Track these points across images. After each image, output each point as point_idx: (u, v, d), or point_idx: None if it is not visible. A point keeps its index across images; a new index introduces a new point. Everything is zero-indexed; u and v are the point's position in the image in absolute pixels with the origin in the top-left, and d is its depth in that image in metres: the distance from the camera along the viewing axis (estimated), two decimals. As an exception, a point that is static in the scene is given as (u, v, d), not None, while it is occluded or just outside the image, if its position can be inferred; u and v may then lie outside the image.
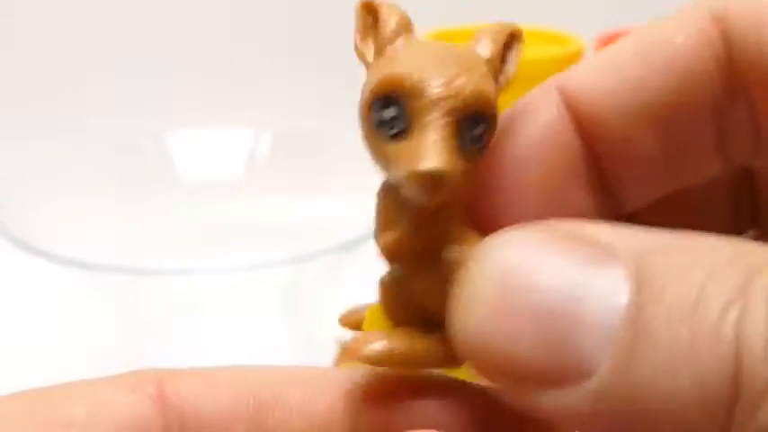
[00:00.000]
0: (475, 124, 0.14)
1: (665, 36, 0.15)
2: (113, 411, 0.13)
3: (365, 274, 0.19)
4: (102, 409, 0.13)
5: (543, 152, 0.16)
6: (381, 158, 0.14)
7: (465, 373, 0.14)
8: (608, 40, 0.46)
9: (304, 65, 0.64)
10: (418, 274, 0.15)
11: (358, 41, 0.14)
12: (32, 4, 0.65)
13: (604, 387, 0.12)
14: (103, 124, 0.60)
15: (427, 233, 0.14)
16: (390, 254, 0.15)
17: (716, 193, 0.18)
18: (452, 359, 0.14)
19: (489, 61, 0.14)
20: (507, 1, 0.50)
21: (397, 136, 0.13)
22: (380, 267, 0.15)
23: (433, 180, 0.13)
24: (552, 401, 0.12)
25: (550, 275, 0.12)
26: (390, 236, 0.14)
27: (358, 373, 0.15)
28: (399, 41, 0.14)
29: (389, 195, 0.15)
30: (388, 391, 0.15)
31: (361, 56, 0.14)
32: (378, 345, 0.14)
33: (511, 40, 0.15)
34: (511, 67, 0.15)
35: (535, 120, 0.16)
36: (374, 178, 0.15)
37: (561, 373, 0.12)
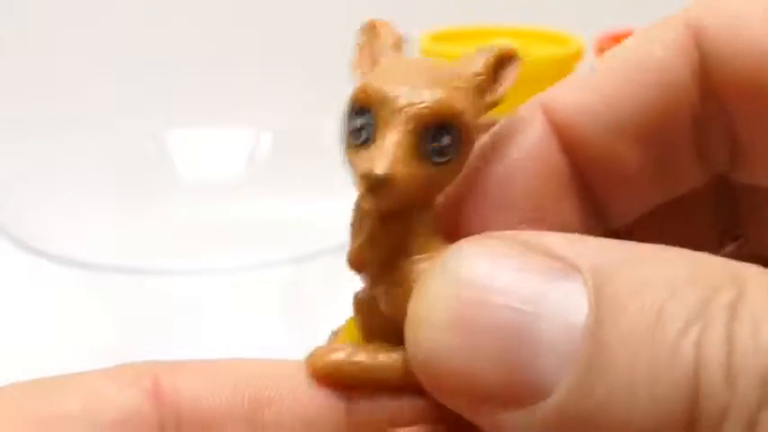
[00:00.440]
0: (439, 135, 0.14)
1: (645, 50, 0.16)
2: (108, 405, 0.13)
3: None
4: (96, 402, 0.13)
5: (529, 170, 0.16)
6: (349, 167, 0.14)
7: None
8: (608, 40, 0.46)
9: (304, 65, 0.64)
10: (380, 287, 0.15)
11: (355, 58, 0.15)
12: (32, 4, 0.65)
13: (562, 407, 0.12)
14: (103, 124, 0.60)
15: (387, 242, 0.14)
16: (353, 264, 0.15)
17: (698, 205, 0.18)
18: (413, 376, 0.13)
19: (473, 79, 0.14)
20: (507, 1, 0.50)
21: (362, 145, 0.14)
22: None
23: (377, 184, 0.13)
24: (510, 421, 0.12)
25: (507, 291, 0.12)
26: (353, 245, 0.15)
27: None
28: (385, 58, 0.15)
29: (359, 206, 0.15)
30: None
31: (354, 71, 0.15)
32: (335, 355, 0.14)
33: (505, 60, 0.15)
34: (501, 86, 0.15)
35: (520, 138, 0.16)
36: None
37: (518, 393, 0.12)
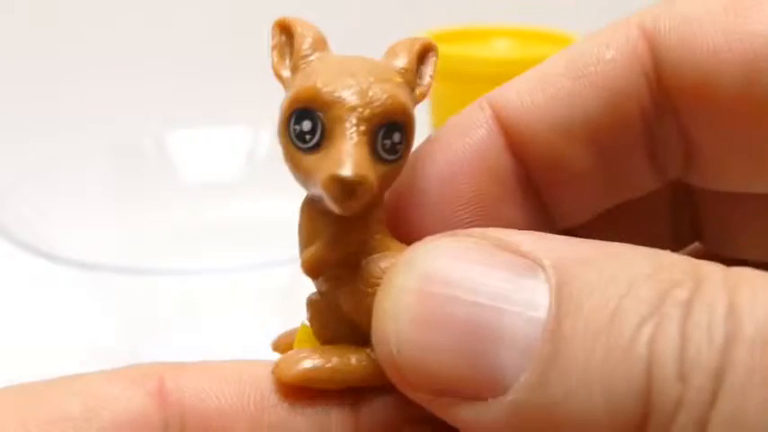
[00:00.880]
0: (390, 133, 0.14)
1: (595, 51, 0.15)
2: (110, 406, 0.13)
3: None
4: (98, 404, 0.13)
5: (473, 169, 0.15)
6: (300, 172, 0.14)
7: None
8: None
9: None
10: (342, 288, 0.14)
11: (275, 60, 0.15)
12: (32, 4, 0.65)
13: (520, 402, 0.12)
14: (103, 124, 0.60)
15: (347, 244, 0.14)
16: (311, 269, 0.14)
17: (655, 207, 0.18)
18: (382, 374, 0.14)
19: (403, 74, 0.14)
20: (507, 1, 0.50)
21: (314, 148, 0.13)
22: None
23: (350, 186, 0.13)
24: (470, 415, 0.12)
25: (472, 286, 0.12)
26: (310, 251, 0.14)
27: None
28: (314, 57, 0.14)
29: (309, 210, 0.15)
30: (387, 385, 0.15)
31: (278, 74, 0.14)
32: (306, 363, 0.14)
33: (425, 54, 0.15)
34: (426, 80, 0.15)
35: (466, 136, 0.16)
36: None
37: (479, 387, 0.12)
